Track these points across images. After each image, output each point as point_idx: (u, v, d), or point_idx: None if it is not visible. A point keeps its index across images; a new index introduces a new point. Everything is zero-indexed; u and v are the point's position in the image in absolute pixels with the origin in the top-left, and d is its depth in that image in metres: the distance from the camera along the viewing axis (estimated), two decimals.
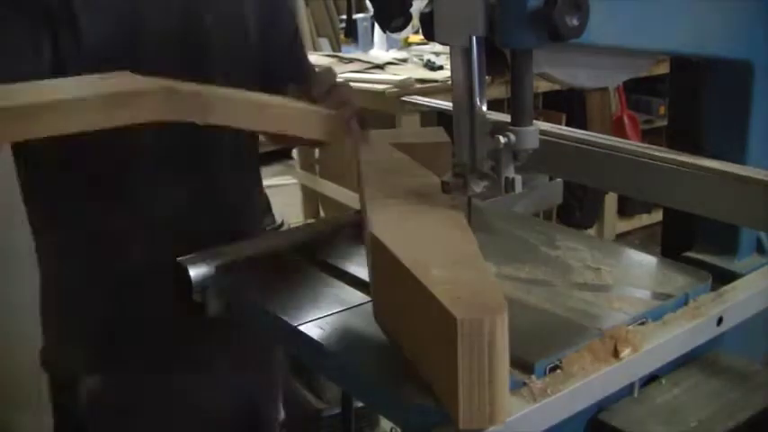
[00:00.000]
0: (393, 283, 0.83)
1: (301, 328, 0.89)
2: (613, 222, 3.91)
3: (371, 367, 0.80)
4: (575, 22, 0.79)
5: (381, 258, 0.84)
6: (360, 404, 1.58)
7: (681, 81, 1.20)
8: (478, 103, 0.89)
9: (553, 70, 0.93)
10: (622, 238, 3.92)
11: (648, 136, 3.89)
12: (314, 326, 0.89)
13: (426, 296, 0.72)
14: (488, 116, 0.89)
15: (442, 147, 1.14)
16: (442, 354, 0.70)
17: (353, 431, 1.47)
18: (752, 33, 1.02)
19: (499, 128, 0.86)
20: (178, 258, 1.07)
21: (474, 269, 0.78)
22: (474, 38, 0.85)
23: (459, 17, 0.85)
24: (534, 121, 0.86)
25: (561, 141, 1.20)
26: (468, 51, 0.86)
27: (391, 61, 3.38)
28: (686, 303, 0.91)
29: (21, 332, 2.58)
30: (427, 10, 0.90)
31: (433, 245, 0.84)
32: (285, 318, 0.92)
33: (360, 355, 0.83)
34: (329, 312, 0.92)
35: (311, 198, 3.68)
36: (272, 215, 2.89)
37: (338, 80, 1.21)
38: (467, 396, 0.67)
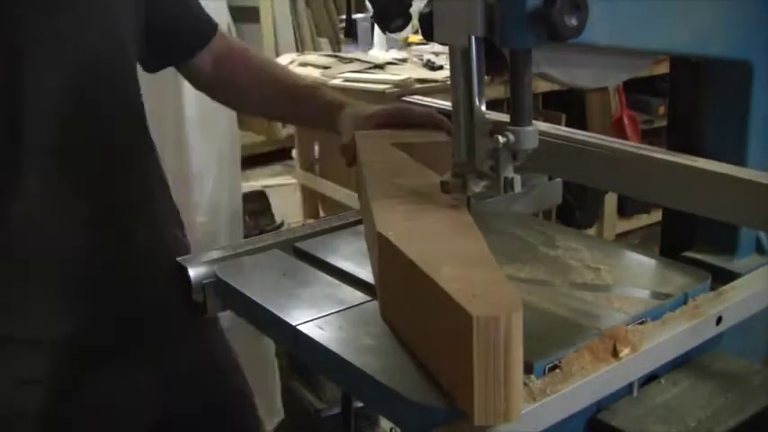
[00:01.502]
0: (402, 282, 0.83)
1: (301, 328, 0.89)
2: (613, 222, 3.91)
3: (371, 367, 0.80)
4: (574, 21, 0.79)
5: (389, 257, 0.84)
6: (360, 404, 1.58)
7: (681, 81, 1.20)
8: (478, 102, 0.89)
9: (552, 70, 0.93)
10: (622, 238, 3.92)
11: (648, 136, 3.89)
12: (314, 326, 0.89)
13: (440, 294, 0.72)
14: (488, 116, 0.89)
15: (441, 146, 1.14)
16: (456, 351, 0.70)
17: (353, 431, 1.47)
18: (752, 33, 1.02)
19: (498, 128, 0.86)
20: (178, 258, 1.07)
21: (485, 267, 0.78)
22: (473, 38, 0.85)
23: (458, 17, 0.85)
24: (533, 121, 0.86)
25: (561, 141, 1.20)
26: (468, 51, 0.86)
27: (391, 61, 3.38)
28: (685, 303, 0.91)
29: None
30: (426, 10, 0.90)
31: (442, 243, 0.84)
32: (285, 318, 0.92)
33: (360, 355, 0.83)
34: (329, 312, 0.92)
35: (311, 198, 3.68)
36: (272, 215, 2.89)
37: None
38: (482, 393, 0.68)
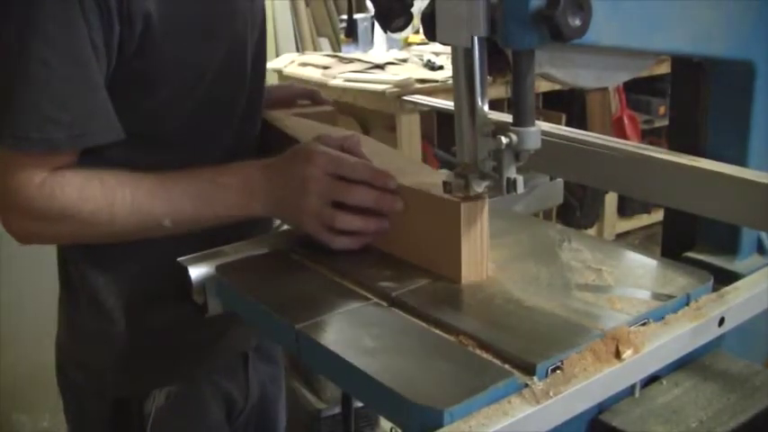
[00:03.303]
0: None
1: (301, 328, 0.89)
2: (613, 222, 3.92)
3: (372, 368, 0.80)
4: (577, 22, 0.79)
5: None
6: (360, 404, 1.58)
7: (681, 81, 1.20)
8: (480, 103, 0.88)
9: (555, 70, 0.93)
10: (622, 238, 3.93)
11: (648, 136, 3.90)
12: (314, 326, 0.89)
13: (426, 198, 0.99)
14: (490, 116, 0.89)
15: (326, 113, 1.40)
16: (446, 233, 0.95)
17: (353, 431, 1.47)
18: (753, 33, 1.02)
19: (501, 128, 0.86)
20: (178, 258, 1.06)
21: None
22: (475, 38, 0.85)
23: (460, 17, 0.85)
24: (536, 122, 0.86)
25: (561, 141, 1.20)
26: (470, 52, 0.86)
27: (391, 61, 3.38)
28: (687, 304, 0.91)
29: (16, 333, 2.60)
30: (428, 10, 0.90)
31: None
32: (285, 318, 0.92)
33: (360, 356, 0.82)
34: (329, 312, 0.92)
35: None
36: None
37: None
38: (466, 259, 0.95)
